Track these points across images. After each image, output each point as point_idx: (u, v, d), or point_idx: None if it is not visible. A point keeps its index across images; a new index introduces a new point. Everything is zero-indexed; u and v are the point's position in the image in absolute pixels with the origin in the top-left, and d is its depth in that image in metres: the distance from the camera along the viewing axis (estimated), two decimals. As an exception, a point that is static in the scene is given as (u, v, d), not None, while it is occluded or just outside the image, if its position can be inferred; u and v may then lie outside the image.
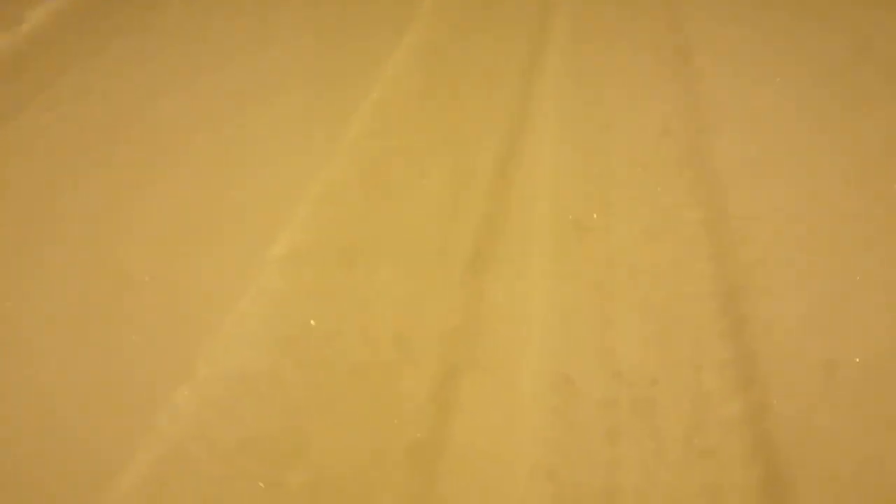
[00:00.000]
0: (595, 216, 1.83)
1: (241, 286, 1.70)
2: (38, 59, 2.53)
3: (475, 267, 1.72)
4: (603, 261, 1.72)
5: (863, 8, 2.62)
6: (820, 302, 1.58)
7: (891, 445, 1.32)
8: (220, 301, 1.66)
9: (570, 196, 1.91)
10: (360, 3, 2.79)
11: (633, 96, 2.30)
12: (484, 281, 1.67)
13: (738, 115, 2.16)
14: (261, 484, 1.33)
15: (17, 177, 2.04)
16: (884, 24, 2.60)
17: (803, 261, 1.67)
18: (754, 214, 1.80)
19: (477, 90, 2.35)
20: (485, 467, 1.32)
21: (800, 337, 1.51)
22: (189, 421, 1.43)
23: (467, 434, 1.38)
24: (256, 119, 2.25)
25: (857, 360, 1.44)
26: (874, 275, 1.62)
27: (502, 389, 1.46)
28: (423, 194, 1.93)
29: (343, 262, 1.74)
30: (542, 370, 1.49)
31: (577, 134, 2.14)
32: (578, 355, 1.51)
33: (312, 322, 1.59)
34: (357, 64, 2.47)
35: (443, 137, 2.14)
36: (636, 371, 1.47)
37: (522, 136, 2.14)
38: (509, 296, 1.64)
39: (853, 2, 2.65)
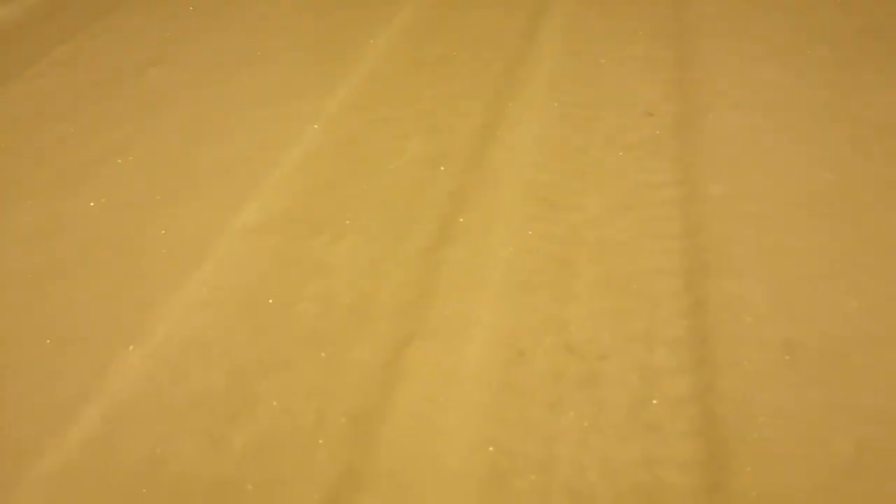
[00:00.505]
0: (567, 192, 1.81)
1: (208, 249, 1.71)
2: (38, 29, 2.58)
3: (440, 238, 1.71)
4: (570, 236, 1.69)
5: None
6: (785, 283, 1.54)
7: (838, 428, 1.28)
8: (185, 263, 1.67)
9: (546, 172, 1.88)
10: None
11: (627, 74, 2.26)
12: (447, 252, 1.66)
13: (728, 96, 2.11)
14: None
15: (4, 140, 2.10)
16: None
17: (773, 241, 1.63)
18: (730, 194, 1.76)
19: (467, 65, 2.33)
20: (425, 436, 1.31)
21: (761, 317, 1.47)
22: (141, 379, 1.45)
23: (412, 403, 1.37)
24: (244, 87, 2.27)
25: (816, 342, 1.42)
26: (843, 258, 1.58)
27: (453, 360, 1.44)
28: (399, 167, 1.92)
29: (309, 230, 1.74)
30: (494, 342, 1.47)
31: (563, 110, 2.11)
32: (533, 328, 1.49)
33: (270, 301, 1.60)
34: (350, 35, 2.48)
35: (427, 112, 2.13)
36: (588, 345, 1.45)
37: (507, 110, 2.11)
38: (470, 268, 1.62)
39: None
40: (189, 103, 2.20)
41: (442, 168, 1.90)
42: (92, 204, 1.81)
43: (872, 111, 2.06)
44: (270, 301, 1.58)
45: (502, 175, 1.89)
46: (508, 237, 1.72)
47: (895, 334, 1.41)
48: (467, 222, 1.76)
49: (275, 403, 1.39)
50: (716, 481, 1.21)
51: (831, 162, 1.87)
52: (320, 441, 1.32)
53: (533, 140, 2.00)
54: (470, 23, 2.52)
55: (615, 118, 2.06)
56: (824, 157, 1.89)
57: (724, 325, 1.47)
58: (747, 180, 1.81)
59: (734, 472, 1.23)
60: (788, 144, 1.94)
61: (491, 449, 1.27)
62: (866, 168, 1.85)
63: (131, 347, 1.48)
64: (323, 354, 1.48)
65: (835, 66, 2.26)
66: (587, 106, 2.12)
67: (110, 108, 2.20)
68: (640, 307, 1.52)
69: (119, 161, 1.96)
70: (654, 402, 1.33)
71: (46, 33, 2.53)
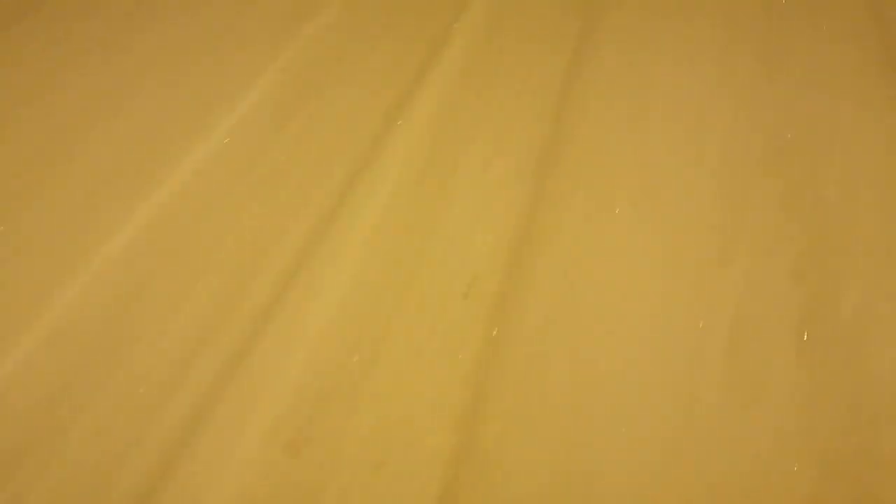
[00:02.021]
0: (335, 403, 1.68)
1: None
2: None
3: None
4: (311, 475, 1.55)
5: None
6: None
7: None
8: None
9: (322, 366, 1.71)
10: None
11: (468, 217, 1.95)
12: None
13: (563, 270, 1.83)
14: None
15: None
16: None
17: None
18: (504, 439, 1.65)
19: (310, 165, 2.11)
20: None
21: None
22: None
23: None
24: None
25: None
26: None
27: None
28: (188, 310, 1.78)
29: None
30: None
31: (379, 269, 1.89)
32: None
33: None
34: (215, 92, 2.30)
35: (252, 220, 1.97)
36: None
37: (324, 251, 1.94)
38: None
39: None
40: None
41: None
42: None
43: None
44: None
45: (281, 350, 1.74)
46: (255, 448, 1.59)
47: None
48: (223, 412, 1.65)
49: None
50: None
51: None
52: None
53: (331, 313, 1.82)
54: (331, 102, 2.28)
55: (428, 290, 1.87)
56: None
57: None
58: (538, 406, 1.66)
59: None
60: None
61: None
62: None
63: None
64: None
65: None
66: (408, 266, 1.92)
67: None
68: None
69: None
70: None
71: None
